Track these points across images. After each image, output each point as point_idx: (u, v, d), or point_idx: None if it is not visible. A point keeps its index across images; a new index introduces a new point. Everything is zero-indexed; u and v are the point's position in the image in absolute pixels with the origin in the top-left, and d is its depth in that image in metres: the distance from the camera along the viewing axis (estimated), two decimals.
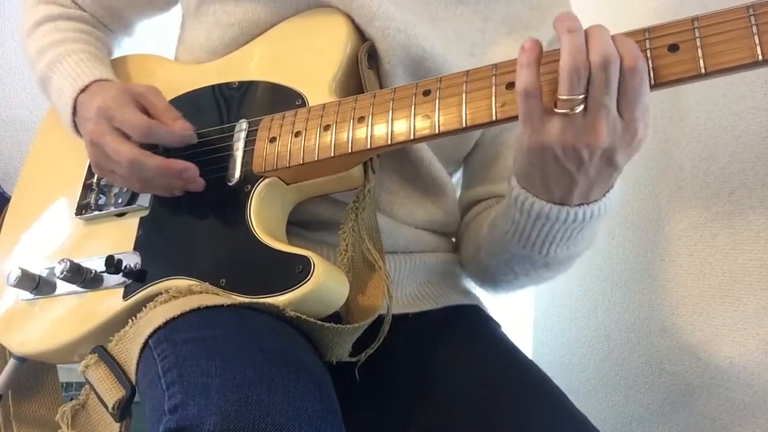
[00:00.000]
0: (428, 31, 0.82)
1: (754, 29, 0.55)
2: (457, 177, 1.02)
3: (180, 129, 0.78)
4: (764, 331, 0.92)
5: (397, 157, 0.85)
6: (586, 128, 0.60)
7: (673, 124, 1.09)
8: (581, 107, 0.59)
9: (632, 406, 1.15)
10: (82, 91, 0.83)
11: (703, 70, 0.57)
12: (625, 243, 1.19)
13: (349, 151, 0.71)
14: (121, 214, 0.85)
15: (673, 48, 0.58)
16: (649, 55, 0.59)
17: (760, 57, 0.55)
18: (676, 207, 1.07)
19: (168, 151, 0.81)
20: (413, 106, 0.69)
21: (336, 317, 0.73)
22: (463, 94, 0.67)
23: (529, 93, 0.61)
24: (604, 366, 1.22)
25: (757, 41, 0.55)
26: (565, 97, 0.59)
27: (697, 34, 0.58)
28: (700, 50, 0.57)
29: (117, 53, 1.02)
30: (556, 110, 0.60)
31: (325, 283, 0.68)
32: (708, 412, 1.00)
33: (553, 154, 0.63)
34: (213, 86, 0.87)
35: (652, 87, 0.59)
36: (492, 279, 0.93)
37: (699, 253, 1.03)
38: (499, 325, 0.97)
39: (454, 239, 1.01)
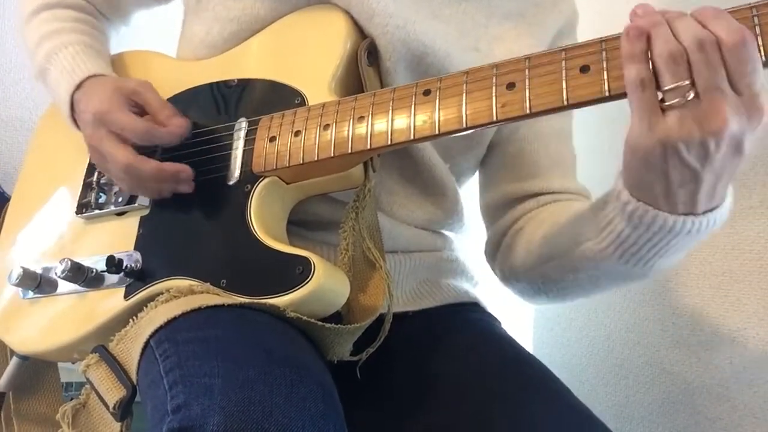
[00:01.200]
0: (429, 27, 0.82)
1: (758, 29, 0.55)
2: (468, 180, 1.01)
3: (176, 127, 0.78)
4: (764, 331, 0.92)
5: (398, 157, 0.85)
6: (707, 115, 0.54)
7: None
8: (692, 94, 0.54)
9: (632, 406, 1.15)
10: (78, 88, 0.84)
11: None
12: None
13: (349, 150, 0.71)
14: (121, 213, 0.85)
15: None
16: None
17: (764, 58, 0.54)
18: None
19: (167, 150, 0.82)
20: (413, 106, 0.69)
21: (337, 317, 0.73)
22: (464, 94, 0.66)
23: (645, 84, 0.56)
24: (604, 366, 1.22)
25: (760, 42, 0.54)
26: (671, 86, 0.55)
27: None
28: None
29: (115, 43, 1.02)
30: (666, 104, 0.55)
31: (326, 284, 0.68)
32: (708, 412, 1.00)
33: (675, 152, 0.56)
34: (212, 84, 0.87)
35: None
36: (558, 292, 0.85)
37: (699, 253, 1.03)
38: (499, 321, 0.97)
39: (454, 237, 1.01)
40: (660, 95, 0.56)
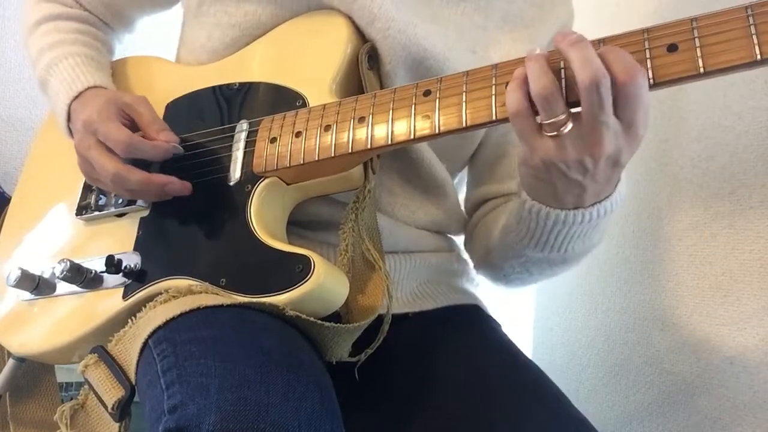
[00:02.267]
0: (429, 31, 0.82)
1: (753, 29, 0.55)
2: (458, 177, 1.02)
3: (164, 141, 0.78)
4: (764, 331, 0.92)
5: (398, 158, 0.85)
6: (586, 141, 0.60)
7: (673, 124, 1.09)
8: (569, 126, 0.60)
9: (632, 406, 1.15)
10: (76, 98, 0.84)
11: (702, 70, 0.57)
12: (625, 243, 1.19)
13: (350, 151, 0.71)
14: (121, 215, 0.85)
15: (672, 48, 0.58)
16: (648, 55, 0.59)
17: (759, 56, 0.55)
18: (676, 207, 1.07)
19: None
20: (413, 106, 0.69)
21: (336, 317, 0.73)
22: (463, 94, 0.67)
23: (516, 113, 0.61)
24: (604, 366, 1.22)
25: (755, 41, 0.55)
26: (546, 122, 0.60)
27: (696, 34, 0.58)
28: (699, 50, 0.57)
29: (119, 50, 1.02)
30: (545, 133, 0.61)
31: (325, 283, 0.68)
32: (708, 412, 1.00)
33: (557, 169, 0.63)
34: (213, 87, 0.87)
35: (651, 87, 0.59)
36: (505, 278, 0.93)
37: (699, 253, 1.03)
38: (499, 325, 0.97)
39: (455, 238, 1.01)
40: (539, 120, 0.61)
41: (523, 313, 1.44)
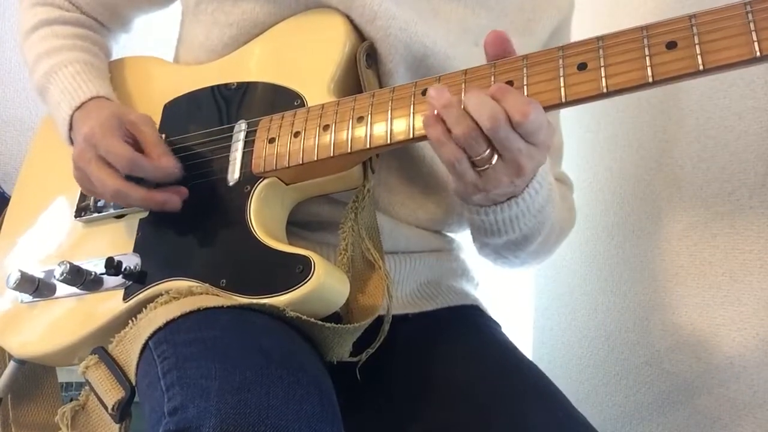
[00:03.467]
0: (430, 28, 0.82)
1: (752, 25, 0.55)
2: None
3: (165, 166, 0.78)
4: (764, 331, 0.92)
5: (398, 156, 0.85)
6: (511, 169, 0.66)
7: (673, 124, 1.09)
8: (495, 158, 0.65)
9: (632, 406, 1.15)
10: (78, 108, 0.84)
11: (701, 67, 0.57)
12: (625, 243, 1.19)
13: (349, 150, 0.71)
14: (120, 216, 0.85)
15: (671, 45, 0.58)
16: (647, 52, 0.59)
17: (758, 53, 0.55)
18: (676, 207, 1.07)
19: None
20: (412, 105, 0.69)
21: (336, 317, 0.73)
22: (462, 93, 0.66)
23: (458, 161, 0.66)
24: (604, 366, 1.22)
25: (754, 37, 0.55)
26: (475, 158, 0.65)
27: (694, 31, 0.58)
28: (698, 47, 0.57)
29: (116, 50, 1.02)
30: (477, 169, 0.66)
31: (326, 283, 0.68)
32: (708, 412, 1.00)
33: (490, 194, 0.70)
34: (212, 87, 0.87)
35: (651, 85, 0.59)
36: (495, 263, 0.96)
37: (699, 253, 1.03)
38: (499, 326, 0.97)
39: (455, 237, 1.01)
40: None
41: (523, 313, 1.44)
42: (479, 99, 0.63)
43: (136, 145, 0.79)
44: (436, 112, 0.65)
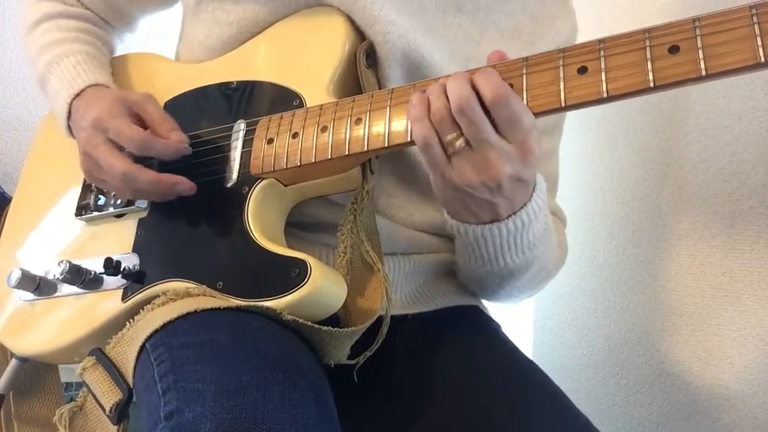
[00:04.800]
0: (427, 40, 0.82)
1: (757, 29, 0.54)
2: None
3: (176, 141, 0.77)
4: (764, 331, 0.92)
5: (396, 159, 0.85)
6: (481, 164, 0.64)
7: (673, 124, 1.09)
8: (461, 143, 0.64)
9: (632, 406, 1.15)
10: (77, 96, 0.83)
11: (704, 72, 0.56)
12: (625, 243, 1.19)
13: (347, 152, 0.71)
14: (120, 215, 0.84)
15: (674, 49, 0.58)
16: (649, 56, 0.58)
17: (763, 59, 0.54)
18: (676, 207, 1.07)
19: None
20: None
21: (334, 320, 0.73)
22: None
23: (429, 144, 0.65)
24: (604, 366, 1.22)
25: (759, 43, 0.54)
26: (445, 140, 0.64)
27: (698, 34, 0.57)
28: (701, 51, 0.56)
29: (120, 49, 1.02)
30: (445, 154, 0.65)
31: (322, 286, 0.68)
32: (708, 412, 1.00)
33: (465, 192, 0.67)
34: (211, 86, 0.87)
35: (652, 90, 0.59)
36: (482, 295, 0.97)
37: (699, 253, 1.03)
38: (499, 326, 0.96)
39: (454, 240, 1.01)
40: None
41: (523, 314, 1.44)
42: (457, 78, 0.63)
43: (143, 125, 0.79)
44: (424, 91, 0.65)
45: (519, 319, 1.43)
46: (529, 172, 0.67)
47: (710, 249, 1.01)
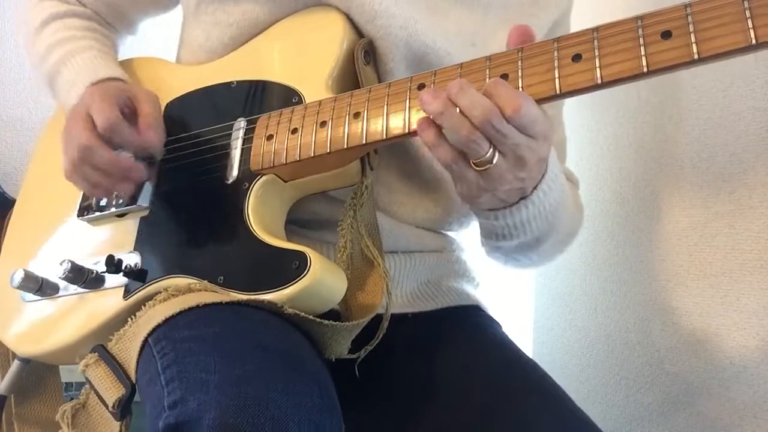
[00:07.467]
0: (429, 26, 0.82)
1: (748, 13, 0.55)
2: None
3: (145, 136, 0.79)
4: (764, 331, 0.92)
5: (397, 154, 0.85)
6: (513, 165, 0.65)
7: (673, 124, 1.09)
8: (496, 157, 0.64)
9: (632, 406, 1.15)
10: (94, 84, 0.85)
11: (696, 56, 0.57)
12: (625, 243, 1.19)
13: (345, 146, 0.71)
14: (121, 215, 0.85)
15: (666, 34, 0.58)
16: (641, 42, 0.59)
17: (754, 41, 0.54)
18: (676, 207, 1.07)
19: (169, 152, 0.83)
20: (408, 100, 0.69)
21: (335, 314, 0.73)
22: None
23: (454, 163, 0.65)
24: (604, 366, 1.22)
25: (750, 24, 0.54)
26: (475, 161, 0.65)
27: (690, 20, 0.57)
28: (693, 36, 0.57)
29: (122, 52, 1.03)
30: (478, 169, 0.65)
31: (322, 278, 0.69)
32: (708, 412, 1.00)
33: (497, 188, 0.68)
34: (212, 86, 0.87)
35: (646, 74, 0.59)
36: (509, 265, 0.95)
37: (699, 253, 1.03)
38: (500, 325, 0.97)
39: (455, 237, 1.01)
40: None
41: (523, 313, 1.44)
42: (471, 98, 0.62)
43: (134, 119, 0.80)
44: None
45: (519, 319, 1.43)
46: (547, 150, 0.68)
47: (710, 249, 1.01)
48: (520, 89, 0.64)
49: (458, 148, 0.64)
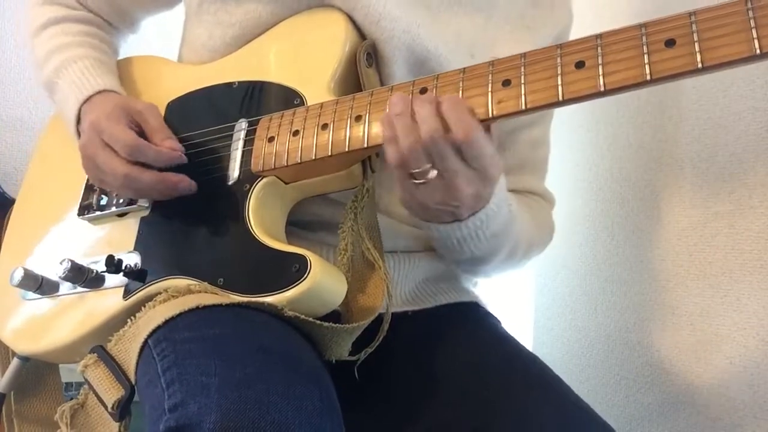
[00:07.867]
0: (431, 32, 0.82)
1: (752, 22, 0.54)
2: None
3: (168, 149, 0.79)
4: (764, 331, 0.92)
5: None
6: (447, 188, 0.68)
7: (673, 124, 1.09)
8: (434, 173, 0.66)
9: (632, 406, 1.15)
10: (86, 101, 0.85)
11: (700, 65, 0.56)
12: (625, 243, 1.19)
13: (347, 149, 0.71)
14: (122, 215, 0.85)
15: (670, 43, 0.58)
16: (645, 50, 0.59)
17: (758, 50, 0.54)
18: (676, 207, 1.07)
19: None
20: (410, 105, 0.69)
21: (336, 316, 0.73)
22: (460, 92, 0.67)
23: (399, 165, 0.67)
24: (604, 366, 1.22)
25: (755, 35, 0.54)
26: (415, 171, 0.67)
27: (694, 29, 0.57)
28: (697, 45, 0.56)
29: (123, 50, 1.03)
30: (415, 180, 0.68)
31: (322, 281, 0.68)
32: (708, 412, 1.00)
33: (430, 207, 0.71)
34: (213, 86, 0.87)
35: (649, 83, 0.59)
36: (468, 274, 0.99)
37: (699, 253, 1.03)
38: (499, 321, 0.97)
39: None
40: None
41: (523, 313, 1.44)
42: (427, 112, 0.64)
43: (142, 134, 0.80)
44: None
45: (519, 319, 1.43)
46: (488, 190, 0.71)
47: (710, 249, 1.01)
48: (523, 95, 0.63)
49: (405, 154, 0.66)
